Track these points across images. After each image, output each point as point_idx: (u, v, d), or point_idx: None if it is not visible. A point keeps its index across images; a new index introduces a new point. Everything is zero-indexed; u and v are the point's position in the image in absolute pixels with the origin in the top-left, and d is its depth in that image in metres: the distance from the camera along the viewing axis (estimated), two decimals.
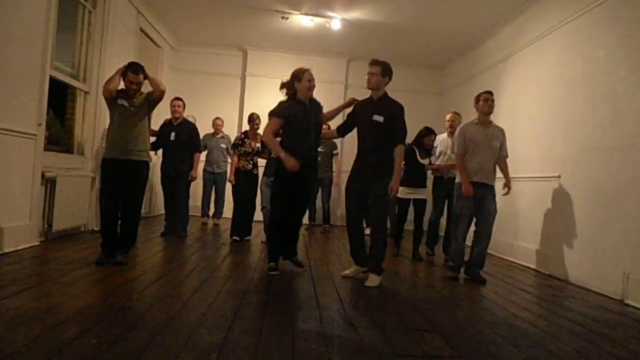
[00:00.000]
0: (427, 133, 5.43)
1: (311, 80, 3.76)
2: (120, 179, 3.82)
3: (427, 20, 6.59)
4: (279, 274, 3.87)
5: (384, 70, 3.81)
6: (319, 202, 7.41)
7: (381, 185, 3.75)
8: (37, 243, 4.37)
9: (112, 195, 3.85)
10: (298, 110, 3.75)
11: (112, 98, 3.85)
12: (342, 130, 4.14)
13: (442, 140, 5.54)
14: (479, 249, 4.28)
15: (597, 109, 4.32)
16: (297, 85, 3.78)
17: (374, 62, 3.81)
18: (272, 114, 3.83)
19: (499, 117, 6.34)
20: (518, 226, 5.60)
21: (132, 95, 3.91)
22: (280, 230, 3.94)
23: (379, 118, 3.75)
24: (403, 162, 4.60)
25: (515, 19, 6.04)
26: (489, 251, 5.87)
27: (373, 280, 3.74)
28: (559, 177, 4.81)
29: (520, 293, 3.89)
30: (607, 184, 4.10)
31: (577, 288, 4.20)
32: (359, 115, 3.94)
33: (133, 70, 3.88)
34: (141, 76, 3.89)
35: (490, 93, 4.44)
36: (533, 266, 5.11)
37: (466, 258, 4.39)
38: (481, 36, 6.92)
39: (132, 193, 3.91)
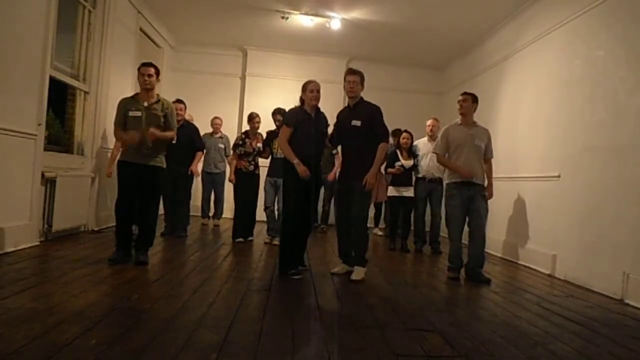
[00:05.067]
0: (399, 132, 6.08)
1: (314, 90, 3.95)
2: (135, 182, 3.88)
3: (427, 20, 6.59)
4: (279, 274, 3.87)
5: (361, 78, 4.09)
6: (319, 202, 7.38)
7: (361, 183, 3.93)
8: (37, 243, 4.37)
9: (127, 198, 3.91)
10: (305, 118, 3.95)
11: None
12: (334, 141, 4.35)
13: (423, 144, 6.03)
14: (474, 250, 4.28)
15: (596, 109, 4.32)
16: (303, 96, 4.02)
17: (353, 72, 4.09)
18: (283, 122, 4.15)
19: (499, 117, 6.36)
20: (517, 226, 5.59)
21: (146, 90, 3.92)
22: (293, 236, 3.94)
23: (356, 123, 4.00)
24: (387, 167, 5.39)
25: (515, 19, 6.04)
26: (488, 251, 5.89)
27: (358, 273, 3.91)
28: (558, 177, 4.81)
29: (520, 293, 3.89)
30: (606, 184, 4.09)
31: (577, 288, 4.20)
32: (340, 122, 4.20)
33: (144, 64, 3.99)
34: (152, 69, 3.95)
35: (466, 94, 4.49)
36: (533, 266, 5.11)
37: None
38: (481, 36, 6.92)
39: (148, 197, 3.97)
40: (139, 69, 3.98)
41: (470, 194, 4.27)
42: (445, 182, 4.50)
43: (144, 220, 4.01)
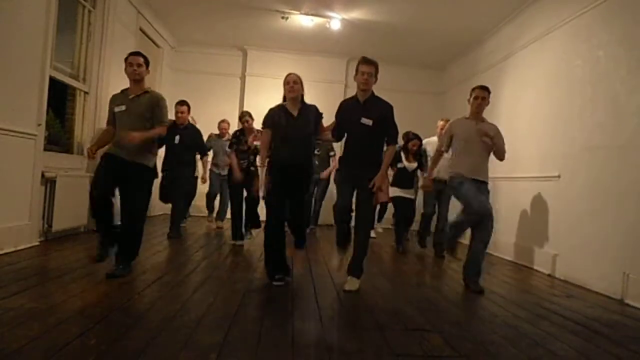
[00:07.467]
0: (412, 138, 5.87)
1: (289, 82, 3.62)
2: (115, 172, 3.44)
3: (427, 20, 6.59)
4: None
5: (376, 70, 3.60)
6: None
7: (369, 183, 3.57)
8: (37, 243, 4.37)
9: (100, 182, 3.42)
10: (282, 117, 3.63)
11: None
12: (337, 135, 3.88)
13: (433, 143, 5.82)
14: (480, 247, 4.06)
15: (597, 109, 4.32)
16: (284, 92, 3.71)
17: (368, 61, 3.56)
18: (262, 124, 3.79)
19: (499, 117, 6.35)
20: (517, 226, 5.59)
21: (135, 82, 3.55)
22: (272, 240, 3.69)
23: (367, 121, 3.54)
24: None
25: (515, 19, 6.04)
26: (488, 251, 5.88)
27: (353, 283, 3.58)
28: (558, 177, 4.81)
29: (520, 293, 3.89)
30: (606, 184, 4.10)
31: (577, 288, 4.20)
32: (345, 117, 3.73)
33: (132, 53, 3.64)
34: (141, 58, 3.58)
35: (483, 89, 4.09)
36: (533, 266, 5.11)
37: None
38: (481, 36, 6.92)
39: (129, 198, 3.51)
40: (126, 59, 3.57)
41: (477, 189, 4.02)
42: (449, 175, 4.13)
43: (126, 225, 3.53)
